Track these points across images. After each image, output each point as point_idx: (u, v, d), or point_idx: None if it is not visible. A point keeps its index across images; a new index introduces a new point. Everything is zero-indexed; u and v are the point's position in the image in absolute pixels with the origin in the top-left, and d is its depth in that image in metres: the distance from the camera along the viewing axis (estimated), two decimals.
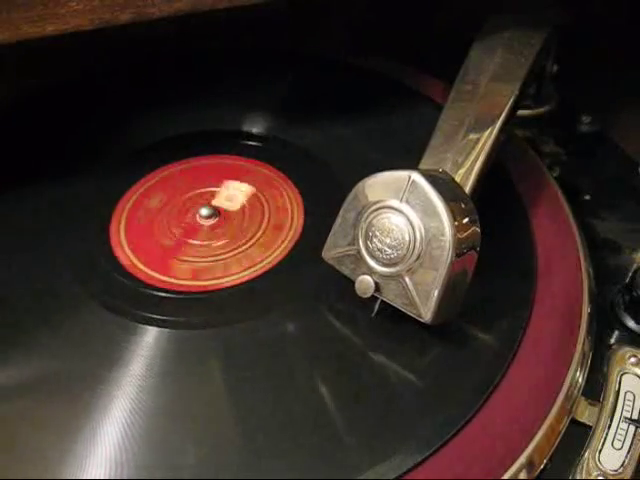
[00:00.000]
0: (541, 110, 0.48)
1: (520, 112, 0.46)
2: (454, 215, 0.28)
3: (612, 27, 0.48)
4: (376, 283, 0.30)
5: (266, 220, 0.38)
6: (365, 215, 0.30)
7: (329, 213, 0.32)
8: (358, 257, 0.31)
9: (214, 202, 0.39)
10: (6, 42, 0.31)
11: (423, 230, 0.29)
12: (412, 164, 0.33)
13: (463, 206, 0.29)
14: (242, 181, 0.40)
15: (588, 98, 0.49)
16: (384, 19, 0.55)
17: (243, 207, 0.39)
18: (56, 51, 0.40)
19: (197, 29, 0.44)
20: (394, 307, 0.30)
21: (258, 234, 0.37)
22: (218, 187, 0.40)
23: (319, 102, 0.46)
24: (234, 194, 0.39)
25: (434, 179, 0.29)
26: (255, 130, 0.44)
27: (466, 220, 0.29)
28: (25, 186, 0.40)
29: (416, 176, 0.29)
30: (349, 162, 0.41)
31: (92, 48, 0.43)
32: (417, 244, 0.29)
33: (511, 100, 0.36)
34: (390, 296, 0.30)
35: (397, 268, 0.29)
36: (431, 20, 0.54)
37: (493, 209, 0.34)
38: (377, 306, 0.31)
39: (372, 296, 0.30)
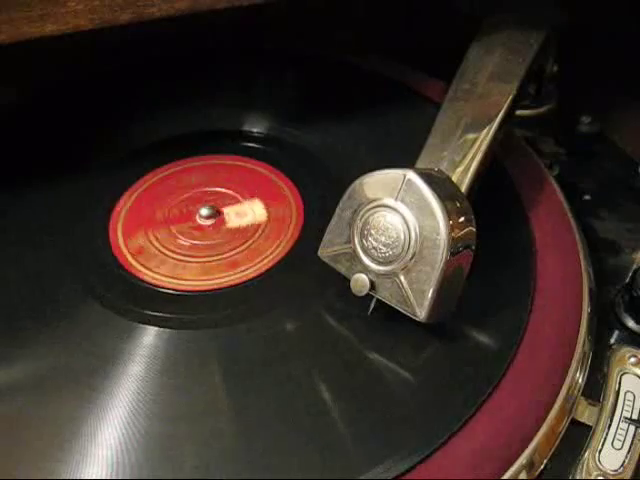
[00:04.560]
0: (541, 110, 0.49)
1: (520, 112, 0.47)
2: (449, 214, 0.28)
3: (612, 27, 0.48)
4: (371, 281, 0.30)
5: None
6: (361, 213, 0.30)
7: (328, 213, 0.32)
8: (353, 255, 0.31)
9: (225, 209, 0.39)
10: (6, 42, 0.31)
11: (418, 229, 0.29)
12: (411, 163, 0.33)
13: (458, 205, 0.29)
14: (265, 204, 0.39)
15: (588, 98, 0.48)
16: (384, 19, 0.55)
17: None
18: (56, 51, 0.40)
19: (197, 29, 0.44)
20: (390, 306, 0.30)
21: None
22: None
23: (319, 102, 0.46)
24: (246, 212, 0.39)
25: (429, 178, 0.29)
26: (255, 130, 0.44)
27: (461, 219, 0.29)
28: (25, 185, 0.40)
29: (411, 175, 0.29)
30: (349, 162, 0.41)
31: (92, 48, 0.43)
32: (412, 243, 0.29)
33: (509, 100, 0.36)
34: (385, 294, 0.30)
35: (392, 267, 0.29)
36: (431, 20, 0.54)
37: (493, 209, 0.34)
38: (373, 304, 0.31)
39: (368, 294, 0.30)
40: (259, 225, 0.38)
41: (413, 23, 0.55)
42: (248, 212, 0.39)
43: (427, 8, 0.53)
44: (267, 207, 0.39)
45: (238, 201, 0.39)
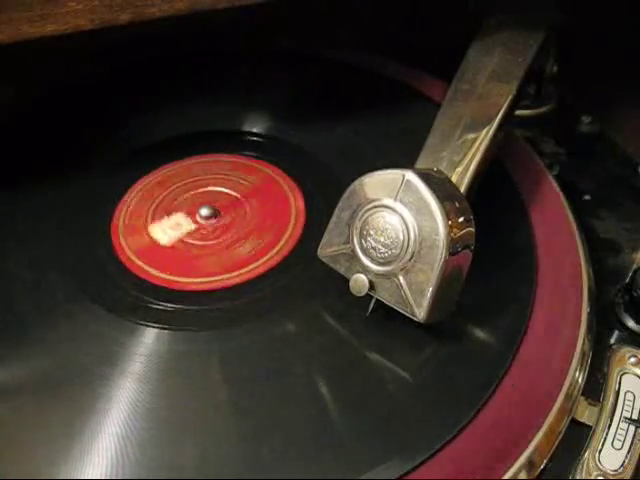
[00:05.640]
0: (541, 110, 0.49)
1: (520, 112, 0.47)
2: (448, 214, 0.28)
3: (612, 27, 0.48)
4: (370, 282, 0.30)
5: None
6: (360, 214, 0.30)
7: (329, 213, 0.32)
8: (352, 256, 0.31)
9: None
10: (6, 42, 0.31)
11: (417, 229, 0.29)
12: (411, 163, 0.33)
13: (457, 205, 0.29)
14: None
15: (588, 98, 0.49)
16: (384, 19, 0.55)
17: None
18: (56, 51, 0.40)
19: (197, 29, 0.44)
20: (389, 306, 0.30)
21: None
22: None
23: (319, 102, 0.46)
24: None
25: (428, 178, 0.29)
26: (255, 130, 0.45)
27: (460, 219, 0.29)
28: (25, 186, 0.40)
29: (410, 175, 0.29)
30: (349, 162, 0.41)
31: (92, 48, 0.43)
32: (411, 243, 0.29)
33: (508, 100, 0.36)
34: (384, 295, 0.30)
35: (391, 267, 0.29)
36: (431, 20, 0.54)
37: (493, 208, 0.34)
38: (372, 305, 0.31)
39: (367, 294, 0.30)
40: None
41: (413, 23, 0.55)
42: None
43: (427, 8, 0.53)
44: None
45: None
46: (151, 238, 0.37)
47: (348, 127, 0.44)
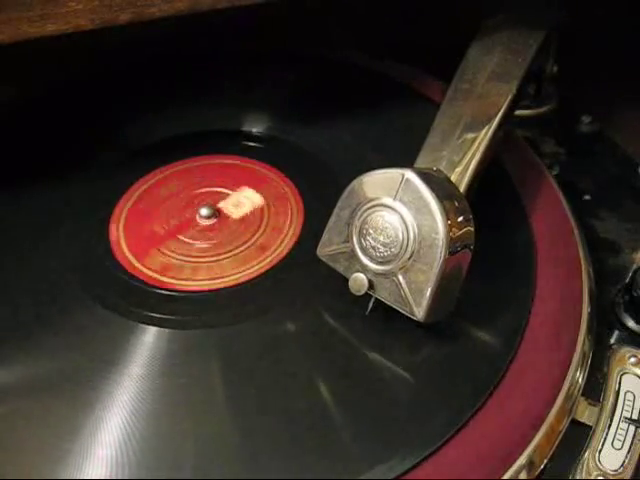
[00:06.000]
0: (541, 110, 0.49)
1: (520, 112, 0.47)
2: (447, 213, 0.28)
3: (612, 27, 0.48)
4: (370, 281, 0.30)
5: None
6: (359, 213, 0.30)
7: (328, 213, 0.32)
8: (352, 255, 0.31)
9: (221, 204, 0.39)
10: (6, 42, 0.31)
11: (416, 228, 0.29)
12: (410, 163, 0.33)
13: (457, 205, 0.29)
14: (256, 191, 0.40)
15: (588, 98, 0.49)
16: (384, 19, 0.55)
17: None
18: (56, 51, 0.40)
19: (197, 29, 0.44)
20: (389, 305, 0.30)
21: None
22: (222, 188, 0.40)
23: (319, 102, 0.46)
24: (242, 201, 0.39)
25: (428, 177, 0.29)
26: (255, 130, 0.45)
27: (460, 219, 0.29)
28: (25, 186, 0.40)
29: (410, 174, 0.29)
30: (349, 162, 0.41)
31: (92, 48, 0.43)
32: (410, 242, 0.29)
33: (508, 100, 0.36)
34: (384, 294, 0.30)
35: (390, 266, 0.29)
36: (431, 20, 0.54)
37: (493, 208, 0.34)
38: (371, 304, 0.31)
39: (367, 294, 0.30)
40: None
41: (413, 23, 0.55)
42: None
43: (427, 8, 0.53)
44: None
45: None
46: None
47: (348, 127, 0.44)
